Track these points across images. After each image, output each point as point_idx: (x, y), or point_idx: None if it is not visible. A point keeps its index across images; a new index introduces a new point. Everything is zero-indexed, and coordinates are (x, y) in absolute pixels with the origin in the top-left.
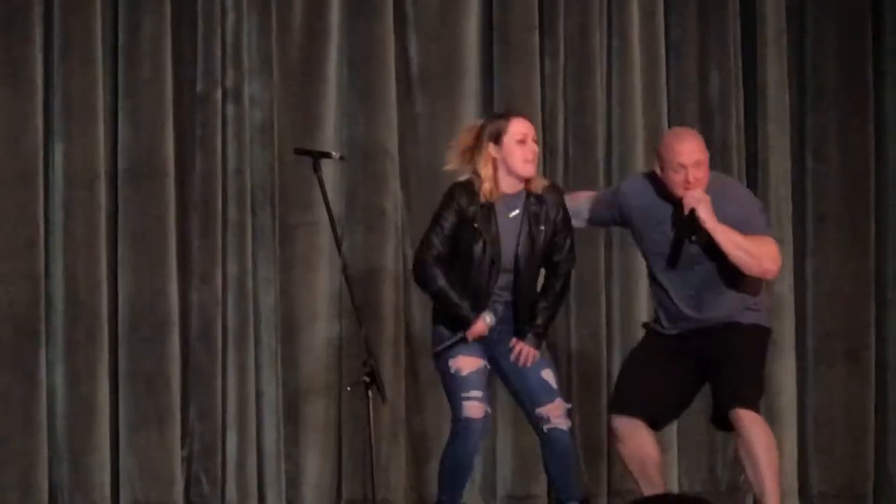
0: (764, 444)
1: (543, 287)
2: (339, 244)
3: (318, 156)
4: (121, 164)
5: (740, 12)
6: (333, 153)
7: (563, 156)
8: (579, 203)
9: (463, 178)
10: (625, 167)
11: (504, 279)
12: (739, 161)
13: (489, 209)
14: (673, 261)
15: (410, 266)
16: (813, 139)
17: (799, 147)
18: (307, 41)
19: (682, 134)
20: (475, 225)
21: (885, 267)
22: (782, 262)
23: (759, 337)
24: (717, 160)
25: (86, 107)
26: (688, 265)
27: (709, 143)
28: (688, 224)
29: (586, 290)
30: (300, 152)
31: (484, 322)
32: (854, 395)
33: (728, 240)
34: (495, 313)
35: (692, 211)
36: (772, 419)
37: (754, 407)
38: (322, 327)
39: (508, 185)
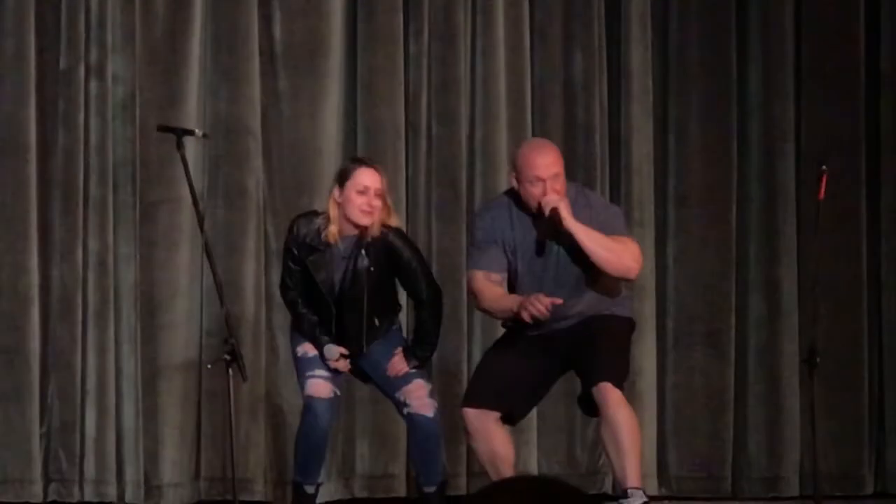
0: (627, 424)
1: (416, 323)
2: (200, 222)
3: (181, 133)
4: None
5: None
6: (196, 130)
7: (427, 135)
8: (495, 291)
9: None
10: (488, 147)
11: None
12: (602, 143)
13: (322, 249)
14: (538, 253)
15: (274, 246)
16: (676, 121)
17: (662, 129)
18: (171, 17)
19: (539, 147)
20: (306, 264)
21: (746, 250)
22: (644, 250)
23: (623, 324)
24: (581, 142)
25: None
26: (550, 268)
27: (572, 125)
28: (549, 225)
29: (448, 271)
30: (163, 129)
31: (330, 357)
32: (714, 378)
33: (589, 237)
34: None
35: (553, 210)
36: (632, 401)
37: (619, 384)
38: (183, 305)
39: (348, 228)
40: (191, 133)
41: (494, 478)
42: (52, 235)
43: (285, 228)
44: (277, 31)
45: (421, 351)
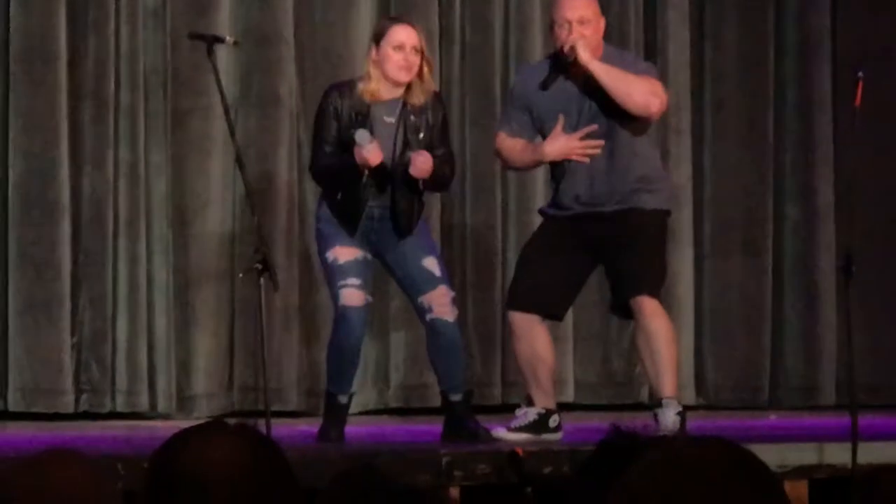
0: (663, 334)
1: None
2: (232, 130)
3: (212, 40)
4: (12, 47)
5: None
6: (227, 38)
7: (460, 41)
8: (514, 144)
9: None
10: (522, 55)
11: (381, 185)
12: (637, 50)
13: (365, 114)
14: (546, 85)
15: (306, 155)
16: (712, 27)
17: (698, 36)
18: None
19: None
20: (351, 130)
21: (782, 157)
22: (681, 156)
23: (659, 222)
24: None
25: None
26: (583, 126)
27: (608, 33)
28: (563, 60)
29: (482, 177)
30: (194, 37)
31: (362, 146)
32: (751, 287)
33: (606, 73)
34: (374, 215)
35: (570, 48)
36: (668, 309)
37: (656, 295)
38: (214, 214)
39: (386, 91)
40: (222, 40)
41: (531, 382)
42: (82, 144)
43: None
44: None
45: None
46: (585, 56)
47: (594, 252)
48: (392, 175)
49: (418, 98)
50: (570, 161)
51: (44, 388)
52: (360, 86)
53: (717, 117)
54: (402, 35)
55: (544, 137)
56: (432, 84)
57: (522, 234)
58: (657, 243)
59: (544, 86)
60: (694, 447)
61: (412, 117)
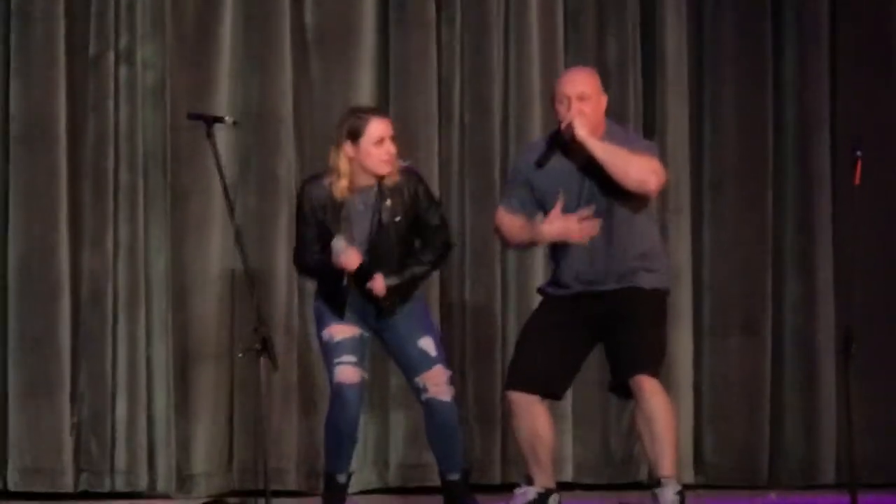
0: (663, 413)
1: (419, 250)
2: (231, 210)
3: (212, 121)
4: (12, 126)
5: None
6: (227, 118)
7: (459, 123)
8: (513, 222)
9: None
10: (521, 134)
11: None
12: (637, 129)
13: (339, 207)
14: (541, 162)
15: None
16: (711, 107)
17: (697, 115)
18: (201, 3)
19: (573, 68)
20: (325, 224)
21: (782, 236)
22: (680, 237)
23: (658, 301)
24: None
25: None
26: (583, 203)
27: (606, 112)
28: (559, 137)
29: (481, 256)
30: (193, 117)
31: (337, 251)
32: (750, 367)
33: (603, 150)
34: (366, 298)
35: (568, 125)
36: (667, 388)
37: (655, 374)
38: (214, 293)
39: (362, 180)
40: (221, 120)
41: (531, 461)
42: (82, 223)
43: None
44: (309, 16)
45: (414, 272)
46: (582, 133)
47: (594, 331)
48: (370, 260)
49: (392, 178)
50: (570, 251)
51: (44, 467)
52: (330, 181)
53: (716, 196)
54: (382, 129)
55: (545, 214)
56: (399, 161)
57: (522, 312)
58: (656, 322)
59: (539, 163)
60: None
61: (388, 202)
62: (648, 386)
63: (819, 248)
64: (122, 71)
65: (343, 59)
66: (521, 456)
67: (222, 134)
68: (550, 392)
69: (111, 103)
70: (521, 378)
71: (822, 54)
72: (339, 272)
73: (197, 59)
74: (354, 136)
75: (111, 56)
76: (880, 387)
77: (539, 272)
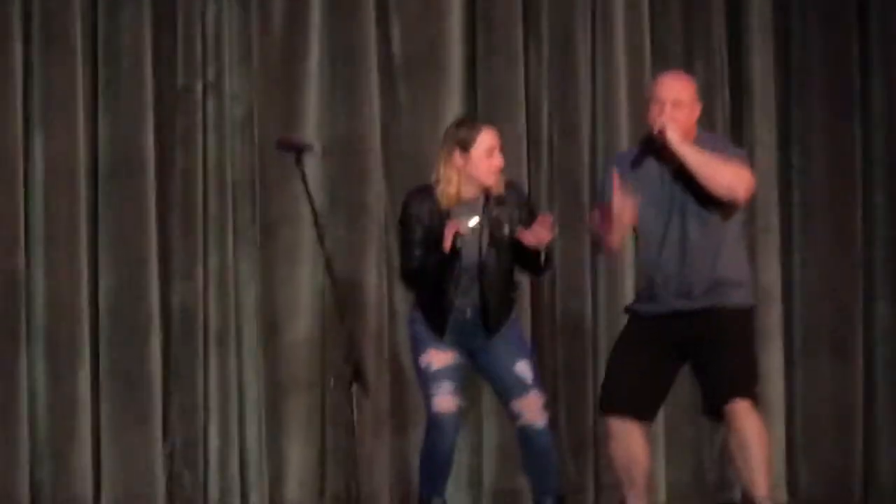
0: (756, 434)
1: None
2: (321, 239)
3: (301, 148)
4: (101, 160)
5: (725, 4)
6: (314, 145)
7: (548, 148)
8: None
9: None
10: (609, 155)
11: (469, 284)
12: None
13: (445, 216)
14: (636, 163)
15: (395, 262)
16: (798, 133)
17: (785, 141)
18: (288, 34)
19: (671, 72)
20: (432, 236)
21: (872, 259)
22: (769, 258)
23: (747, 319)
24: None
25: (66, 101)
26: (672, 211)
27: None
28: (651, 142)
29: (571, 279)
30: (282, 145)
31: (463, 225)
32: (842, 390)
33: (693, 156)
34: (464, 315)
35: (660, 131)
36: (759, 409)
37: (750, 396)
38: (304, 322)
39: (469, 191)
40: (310, 148)
41: (627, 484)
42: (171, 256)
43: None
44: (396, 44)
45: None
46: (674, 137)
47: (684, 352)
48: (481, 272)
49: (499, 189)
50: (661, 253)
51: (137, 495)
52: (438, 190)
53: (805, 221)
54: (492, 139)
55: (639, 219)
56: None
57: (613, 335)
58: (748, 343)
59: (634, 164)
60: None
61: (495, 212)
62: (742, 408)
63: None
64: (210, 103)
65: (431, 87)
66: (617, 479)
67: (311, 164)
68: (643, 414)
69: (199, 135)
70: (617, 402)
71: None
72: (446, 265)
73: (284, 89)
74: (465, 146)
75: (199, 88)
76: None
77: (629, 293)
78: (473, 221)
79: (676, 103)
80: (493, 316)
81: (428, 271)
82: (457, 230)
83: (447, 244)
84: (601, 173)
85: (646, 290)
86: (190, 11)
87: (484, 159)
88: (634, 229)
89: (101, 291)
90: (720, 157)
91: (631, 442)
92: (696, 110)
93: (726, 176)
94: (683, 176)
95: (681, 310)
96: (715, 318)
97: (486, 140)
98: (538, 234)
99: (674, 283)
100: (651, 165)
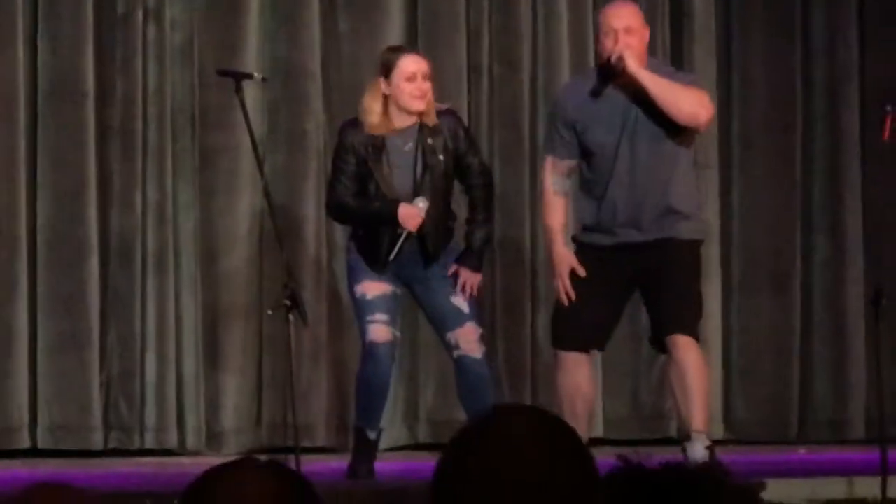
0: (696, 368)
1: (469, 209)
2: (261, 167)
3: (240, 77)
4: (40, 86)
5: None
6: (255, 74)
7: (488, 76)
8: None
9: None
10: (550, 87)
11: None
12: None
13: (380, 146)
14: (596, 92)
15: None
16: (739, 62)
17: (725, 70)
18: None
19: (617, 2)
20: (367, 163)
21: (811, 192)
22: (708, 192)
23: (695, 254)
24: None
25: (5, 26)
26: (624, 139)
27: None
28: (610, 69)
29: (510, 209)
30: (222, 73)
31: (415, 207)
32: (779, 324)
33: (653, 82)
34: (403, 244)
35: (619, 57)
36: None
37: (693, 333)
38: (243, 251)
39: (400, 120)
40: (249, 77)
41: (569, 416)
42: (110, 183)
43: None
44: None
45: (481, 237)
46: (633, 65)
47: (634, 283)
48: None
49: (432, 119)
50: (610, 182)
51: (73, 425)
52: (367, 119)
53: (744, 153)
54: (413, 65)
55: (589, 150)
56: (437, 104)
57: (552, 268)
58: (696, 277)
59: (594, 94)
60: (504, 417)
61: (429, 140)
62: (684, 342)
63: (848, 204)
64: (150, 30)
65: (371, 15)
66: (558, 409)
67: (251, 91)
68: (594, 347)
69: (139, 62)
70: (569, 338)
71: (851, 10)
72: (389, 222)
73: (224, 16)
74: (387, 71)
75: (139, 14)
76: None
77: (569, 223)
78: (423, 204)
79: (628, 30)
80: (429, 241)
81: (362, 217)
82: (407, 221)
83: (407, 225)
84: (543, 107)
85: (593, 221)
86: None
87: (404, 85)
88: (584, 157)
89: (39, 217)
90: (678, 82)
91: (579, 374)
92: (646, 35)
93: (688, 100)
94: (642, 103)
95: (630, 242)
96: (665, 249)
97: (407, 64)
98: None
99: (624, 213)
100: (604, 95)
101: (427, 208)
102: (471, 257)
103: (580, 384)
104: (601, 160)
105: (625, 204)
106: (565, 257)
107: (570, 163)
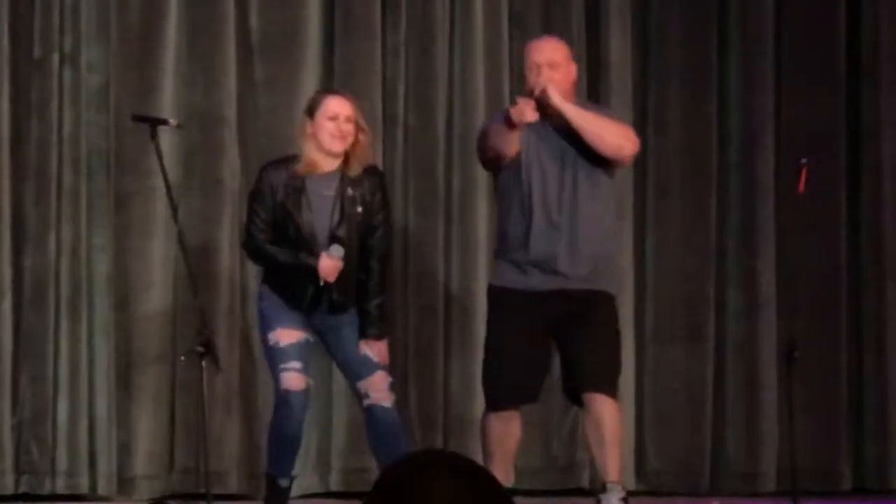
0: (613, 420)
1: (366, 276)
2: (175, 212)
3: (156, 122)
4: None
5: None
6: (171, 120)
7: (404, 126)
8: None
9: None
10: (466, 137)
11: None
12: None
13: (300, 188)
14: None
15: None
16: (655, 113)
17: (641, 121)
18: (146, 5)
19: (540, 37)
20: (287, 206)
21: (725, 243)
22: (623, 243)
23: (615, 308)
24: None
25: None
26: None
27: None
28: (537, 103)
29: (424, 258)
30: (137, 119)
31: (330, 257)
32: (693, 374)
33: (578, 115)
34: (317, 288)
35: (542, 91)
36: None
37: (613, 391)
38: (157, 295)
39: (325, 164)
40: (165, 122)
41: (492, 461)
42: (24, 224)
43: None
44: (254, 20)
45: (377, 304)
46: (556, 98)
47: (556, 332)
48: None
49: (355, 169)
50: (532, 221)
51: None
52: (291, 164)
53: (659, 203)
54: (335, 105)
55: (520, 187)
56: (369, 154)
57: (465, 315)
58: (616, 332)
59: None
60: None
61: (350, 190)
62: (603, 398)
63: (762, 256)
64: (67, 73)
65: (288, 63)
66: (480, 454)
67: (166, 136)
68: (530, 401)
69: (55, 105)
70: (500, 397)
71: (767, 62)
72: (308, 273)
73: (141, 61)
74: (311, 111)
75: (55, 58)
76: (821, 395)
77: (482, 273)
78: (339, 252)
79: (552, 65)
80: (341, 290)
81: (280, 264)
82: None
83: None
84: (458, 155)
85: (517, 266)
86: None
87: (325, 124)
88: (512, 196)
89: None
90: (603, 116)
91: (509, 430)
92: (573, 72)
93: (613, 133)
94: (574, 142)
95: (556, 289)
96: (592, 302)
97: (329, 105)
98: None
99: (548, 258)
100: (528, 134)
101: (342, 253)
102: (371, 327)
103: (506, 438)
104: (523, 205)
105: (551, 250)
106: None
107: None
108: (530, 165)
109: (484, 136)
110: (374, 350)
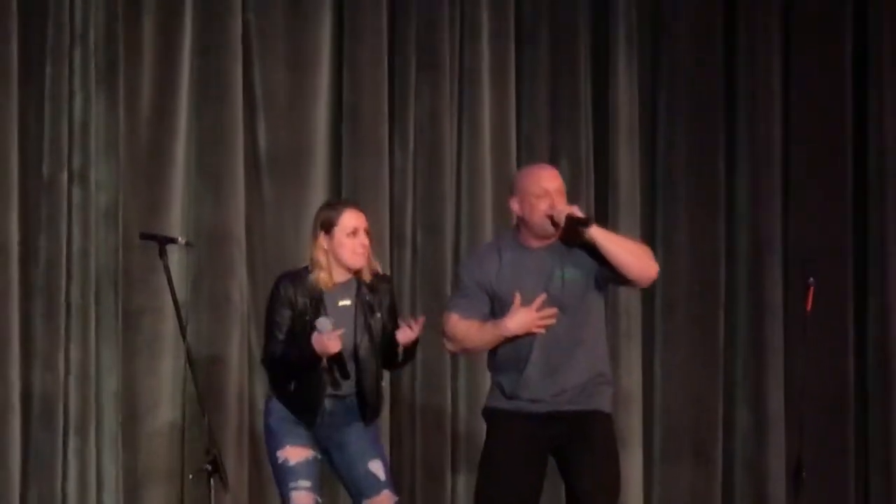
0: None
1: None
2: (183, 331)
3: (164, 241)
4: None
5: (592, 104)
6: (179, 238)
7: (411, 245)
8: (468, 324)
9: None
10: None
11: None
12: None
13: (318, 300)
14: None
15: (257, 356)
16: (663, 230)
17: (650, 239)
18: (155, 124)
19: (540, 164)
20: (306, 318)
21: (734, 361)
22: (631, 362)
23: (613, 427)
24: None
25: None
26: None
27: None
28: (568, 230)
29: (431, 375)
30: (146, 237)
31: (319, 333)
32: (701, 492)
33: (607, 237)
34: (323, 413)
35: (568, 216)
36: None
37: None
38: (165, 414)
39: (339, 275)
40: (173, 241)
41: None
42: (33, 342)
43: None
44: (262, 138)
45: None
46: (592, 224)
47: (552, 449)
48: (355, 359)
49: (368, 276)
50: (531, 348)
51: None
52: (311, 275)
53: (667, 321)
54: (355, 220)
55: (503, 306)
56: (376, 261)
57: (472, 430)
58: (616, 451)
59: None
60: None
61: (367, 297)
62: None
63: (770, 375)
64: (76, 191)
65: (296, 182)
66: None
67: (175, 254)
68: None
69: (64, 223)
70: None
71: (775, 179)
72: (317, 360)
73: (150, 179)
74: (328, 226)
75: (64, 176)
76: None
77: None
78: (324, 326)
79: (559, 192)
80: (370, 398)
81: (296, 363)
82: (326, 346)
83: (327, 349)
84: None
85: (511, 388)
86: (57, 99)
87: (346, 241)
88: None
89: None
90: (625, 238)
91: None
92: None
93: (643, 257)
94: (568, 262)
95: (552, 412)
96: (589, 423)
97: (348, 221)
98: (406, 334)
99: (545, 381)
100: (521, 256)
101: (336, 331)
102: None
103: None
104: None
105: (551, 370)
106: (506, 316)
107: (475, 321)
108: (504, 298)
109: (453, 328)
110: (416, 325)
